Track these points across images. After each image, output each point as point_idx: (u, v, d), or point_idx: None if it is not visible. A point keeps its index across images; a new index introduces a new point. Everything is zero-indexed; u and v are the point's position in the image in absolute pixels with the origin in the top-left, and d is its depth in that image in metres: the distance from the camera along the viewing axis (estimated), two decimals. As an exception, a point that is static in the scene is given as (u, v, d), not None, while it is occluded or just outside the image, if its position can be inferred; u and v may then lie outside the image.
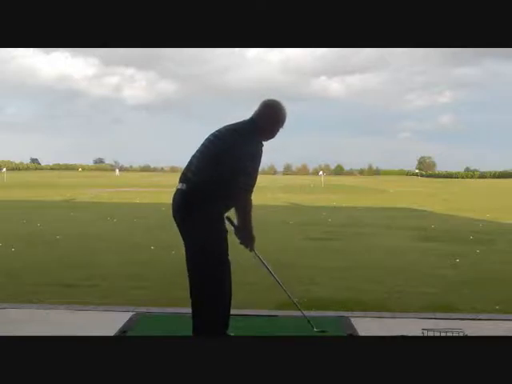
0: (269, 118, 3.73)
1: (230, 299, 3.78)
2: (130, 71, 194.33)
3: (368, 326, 4.31)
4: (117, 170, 75.21)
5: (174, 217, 3.72)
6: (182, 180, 3.67)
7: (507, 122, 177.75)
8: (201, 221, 3.56)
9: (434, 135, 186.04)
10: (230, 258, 3.75)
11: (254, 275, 6.29)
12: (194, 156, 3.73)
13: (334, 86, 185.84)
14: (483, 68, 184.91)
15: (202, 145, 3.72)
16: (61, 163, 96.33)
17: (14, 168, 76.98)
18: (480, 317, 4.74)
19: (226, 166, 3.55)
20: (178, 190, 3.68)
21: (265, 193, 28.12)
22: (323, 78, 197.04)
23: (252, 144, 3.62)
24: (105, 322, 4.33)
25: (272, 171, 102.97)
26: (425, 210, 19.60)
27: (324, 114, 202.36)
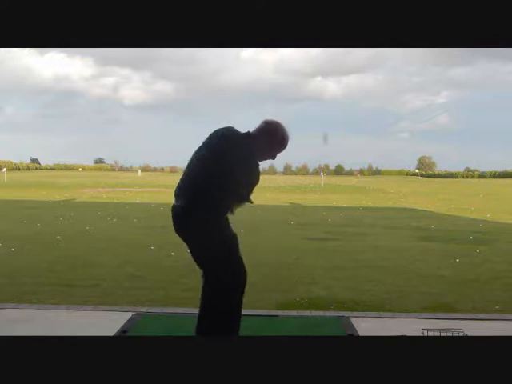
0: (267, 135, 3.60)
1: (241, 303, 3.66)
2: (127, 72, 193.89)
3: (368, 326, 4.31)
4: (139, 171, 75.82)
5: (177, 233, 3.62)
6: (176, 194, 3.58)
7: (507, 122, 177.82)
8: (199, 231, 3.49)
9: (433, 135, 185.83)
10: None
11: (253, 275, 6.29)
12: (187, 166, 3.62)
13: (331, 87, 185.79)
14: (481, 68, 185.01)
15: (194, 154, 3.61)
16: (61, 163, 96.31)
17: (14, 168, 76.90)
18: (480, 317, 4.74)
19: (217, 173, 3.44)
20: (174, 206, 3.57)
21: (265, 193, 28.12)
22: (319, 78, 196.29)
23: (245, 153, 3.49)
24: (105, 322, 4.33)
25: (272, 171, 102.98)
26: (425, 210, 19.61)
27: (323, 114, 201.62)
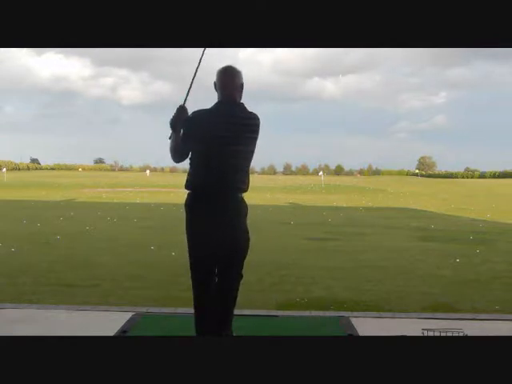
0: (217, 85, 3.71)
1: (222, 300, 3.62)
2: (125, 72, 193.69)
3: (368, 326, 4.31)
4: (147, 171, 76.56)
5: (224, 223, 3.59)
6: (218, 185, 3.56)
7: (505, 122, 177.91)
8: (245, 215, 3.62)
9: (433, 135, 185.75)
10: None
11: (253, 275, 6.29)
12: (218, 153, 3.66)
13: (329, 87, 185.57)
14: (479, 68, 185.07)
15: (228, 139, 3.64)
16: (61, 163, 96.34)
17: (14, 168, 76.94)
18: (480, 317, 4.74)
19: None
20: (220, 194, 3.55)
21: (265, 193, 28.13)
22: (317, 78, 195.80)
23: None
24: (105, 322, 4.33)
25: (272, 171, 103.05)
26: (425, 210, 19.62)
27: (323, 114, 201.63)
